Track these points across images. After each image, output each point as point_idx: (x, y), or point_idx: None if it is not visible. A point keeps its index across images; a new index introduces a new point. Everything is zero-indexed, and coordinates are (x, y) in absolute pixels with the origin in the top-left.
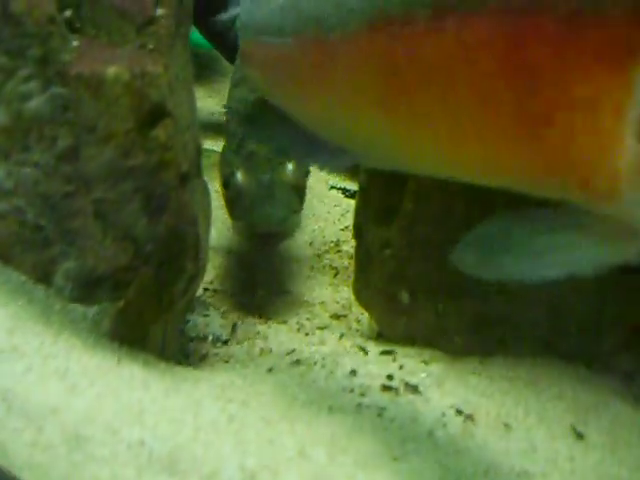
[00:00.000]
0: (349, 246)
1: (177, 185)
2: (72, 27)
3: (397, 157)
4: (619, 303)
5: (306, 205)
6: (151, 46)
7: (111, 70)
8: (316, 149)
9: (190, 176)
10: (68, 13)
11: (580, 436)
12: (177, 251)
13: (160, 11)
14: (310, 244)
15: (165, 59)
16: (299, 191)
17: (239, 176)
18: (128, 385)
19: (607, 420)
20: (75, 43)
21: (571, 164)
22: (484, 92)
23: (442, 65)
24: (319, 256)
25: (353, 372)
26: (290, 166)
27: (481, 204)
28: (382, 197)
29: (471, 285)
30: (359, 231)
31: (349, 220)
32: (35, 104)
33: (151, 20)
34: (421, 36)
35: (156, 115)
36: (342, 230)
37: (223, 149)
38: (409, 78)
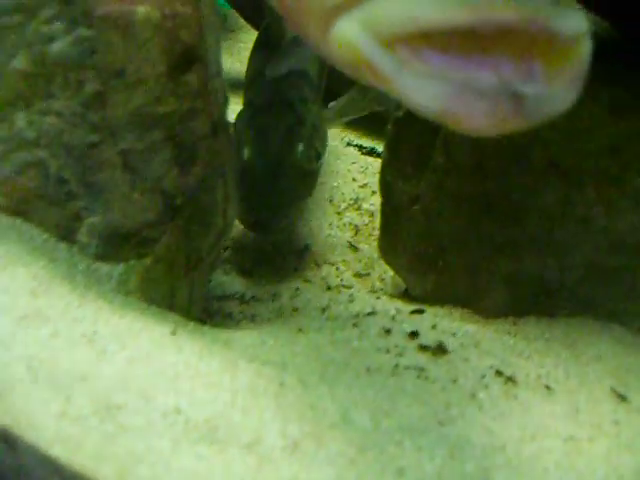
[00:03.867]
0: (369, 203)
1: (208, 134)
2: None
3: None
4: None
5: (324, 161)
6: None
7: (141, 10)
8: None
9: (220, 125)
10: None
11: (622, 398)
12: (206, 205)
13: None
14: (330, 201)
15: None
16: (308, 176)
17: (246, 152)
18: (160, 348)
19: None
20: None
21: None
22: None
23: None
24: (339, 214)
25: (387, 331)
26: (301, 147)
27: (513, 157)
28: (411, 151)
29: (504, 241)
30: (386, 187)
31: (367, 177)
32: (59, 47)
33: None
34: None
35: (188, 59)
36: (361, 187)
37: (238, 115)
38: None
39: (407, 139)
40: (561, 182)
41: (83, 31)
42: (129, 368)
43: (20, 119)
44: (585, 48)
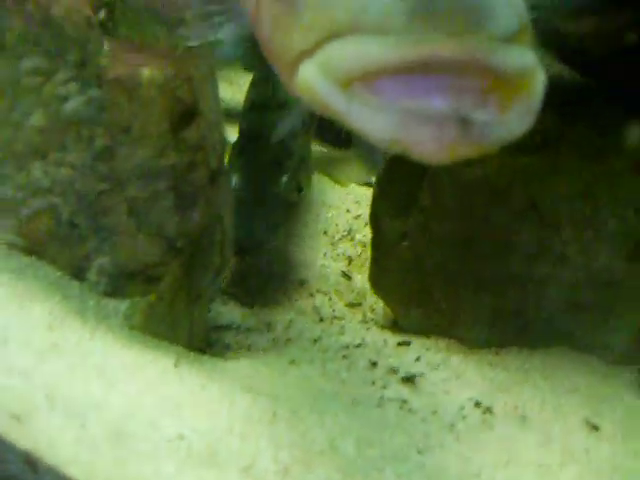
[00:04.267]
0: (361, 235)
1: (207, 183)
2: (105, 28)
3: None
4: (632, 298)
5: (319, 193)
6: (182, 47)
7: (146, 72)
8: None
9: (218, 173)
10: (102, 15)
11: (594, 428)
12: (205, 246)
13: (189, 13)
14: (324, 232)
15: (195, 60)
16: (290, 206)
17: (234, 180)
18: (164, 379)
19: (620, 412)
20: (109, 44)
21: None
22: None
23: None
24: (333, 244)
25: (373, 364)
26: (285, 178)
27: (495, 199)
28: (399, 191)
29: (487, 277)
30: (376, 223)
31: (361, 209)
32: (73, 106)
33: (182, 21)
34: None
35: (188, 116)
36: (355, 219)
37: (233, 145)
38: None
39: (396, 179)
40: (539, 223)
41: (94, 92)
42: (137, 398)
43: (36, 169)
44: (536, 82)
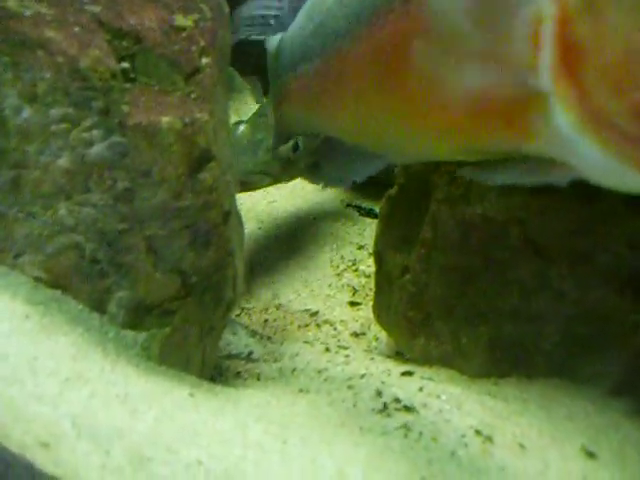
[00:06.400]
0: (365, 265)
1: (220, 222)
2: (127, 77)
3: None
4: (627, 328)
5: (324, 223)
6: (197, 94)
7: (165, 119)
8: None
9: (231, 213)
10: (125, 64)
11: (591, 456)
12: (218, 281)
13: (205, 60)
14: (330, 263)
15: (210, 105)
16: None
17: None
18: (181, 407)
19: (617, 440)
20: (131, 93)
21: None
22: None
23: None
24: (338, 275)
25: (379, 393)
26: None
27: (494, 234)
28: (401, 225)
29: (487, 310)
30: (379, 256)
31: (365, 239)
32: (97, 150)
33: (197, 69)
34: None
35: (203, 160)
36: (358, 249)
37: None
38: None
39: (398, 215)
40: (537, 258)
41: (117, 138)
42: (157, 425)
43: (62, 208)
44: None
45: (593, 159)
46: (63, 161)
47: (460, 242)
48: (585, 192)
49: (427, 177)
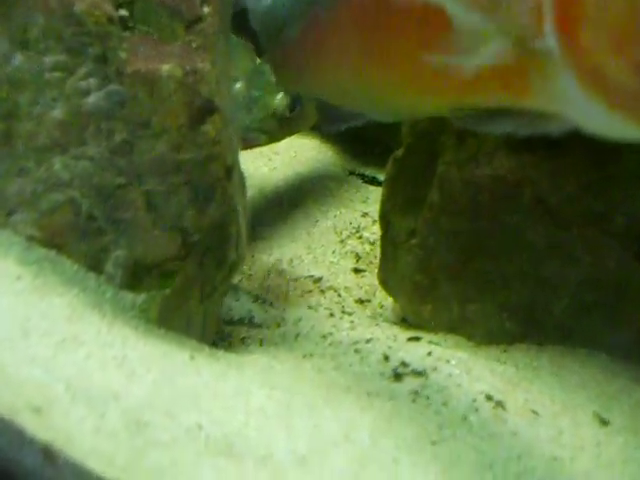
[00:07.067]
0: (370, 232)
1: (223, 177)
2: (125, 25)
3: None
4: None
5: (327, 190)
6: (199, 43)
7: (165, 67)
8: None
9: (234, 168)
10: (122, 12)
11: (604, 422)
12: (220, 241)
13: (206, 9)
14: (333, 230)
15: (212, 56)
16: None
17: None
18: (181, 371)
19: (629, 407)
20: (129, 40)
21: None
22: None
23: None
24: (342, 242)
25: (386, 358)
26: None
27: (504, 196)
28: (408, 187)
29: (495, 275)
30: (385, 220)
31: (370, 206)
32: (93, 100)
33: (199, 18)
34: None
35: (206, 111)
36: (363, 216)
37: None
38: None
39: (405, 177)
40: (548, 220)
41: (114, 86)
42: (155, 389)
43: (56, 163)
44: None
45: (593, 113)
46: (57, 112)
47: (469, 204)
48: (601, 152)
49: (435, 138)
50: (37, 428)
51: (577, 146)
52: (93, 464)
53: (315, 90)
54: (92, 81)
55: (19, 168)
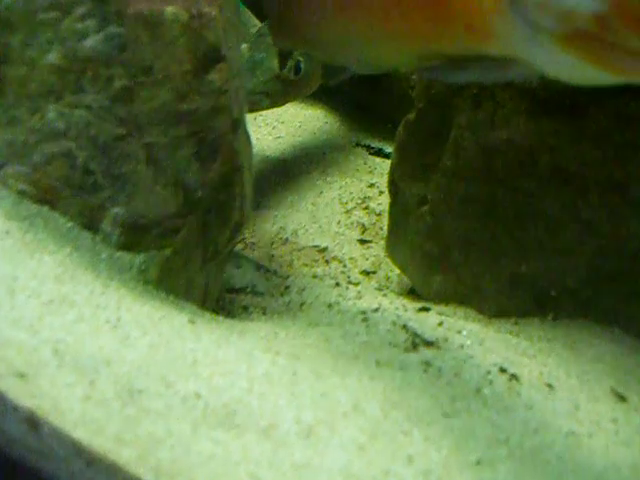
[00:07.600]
0: (376, 203)
1: (229, 131)
2: None
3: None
4: None
5: (332, 161)
6: None
7: (169, 9)
8: None
9: (240, 123)
10: None
11: (621, 398)
12: (225, 199)
13: None
14: (339, 200)
15: (219, 1)
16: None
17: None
18: (180, 335)
19: None
20: None
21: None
22: None
23: None
24: (347, 212)
25: (395, 326)
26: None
27: (520, 162)
28: (420, 153)
29: (509, 244)
30: (395, 187)
31: (375, 177)
32: (91, 43)
33: None
34: None
35: (212, 58)
36: (369, 187)
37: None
38: None
39: (416, 142)
40: (566, 188)
41: (114, 29)
42: (150, 354)
43: (51, 111)
44: None
45: (555, 57)
46: (52, 56)
47: (483, 170)
48: (621, 116)
49: (449, 101)
50: (21, 395)
51: (597, 112)
52: (81, 434)
53: (303, 45)
54: (90, 23)
55: (10, 117)
